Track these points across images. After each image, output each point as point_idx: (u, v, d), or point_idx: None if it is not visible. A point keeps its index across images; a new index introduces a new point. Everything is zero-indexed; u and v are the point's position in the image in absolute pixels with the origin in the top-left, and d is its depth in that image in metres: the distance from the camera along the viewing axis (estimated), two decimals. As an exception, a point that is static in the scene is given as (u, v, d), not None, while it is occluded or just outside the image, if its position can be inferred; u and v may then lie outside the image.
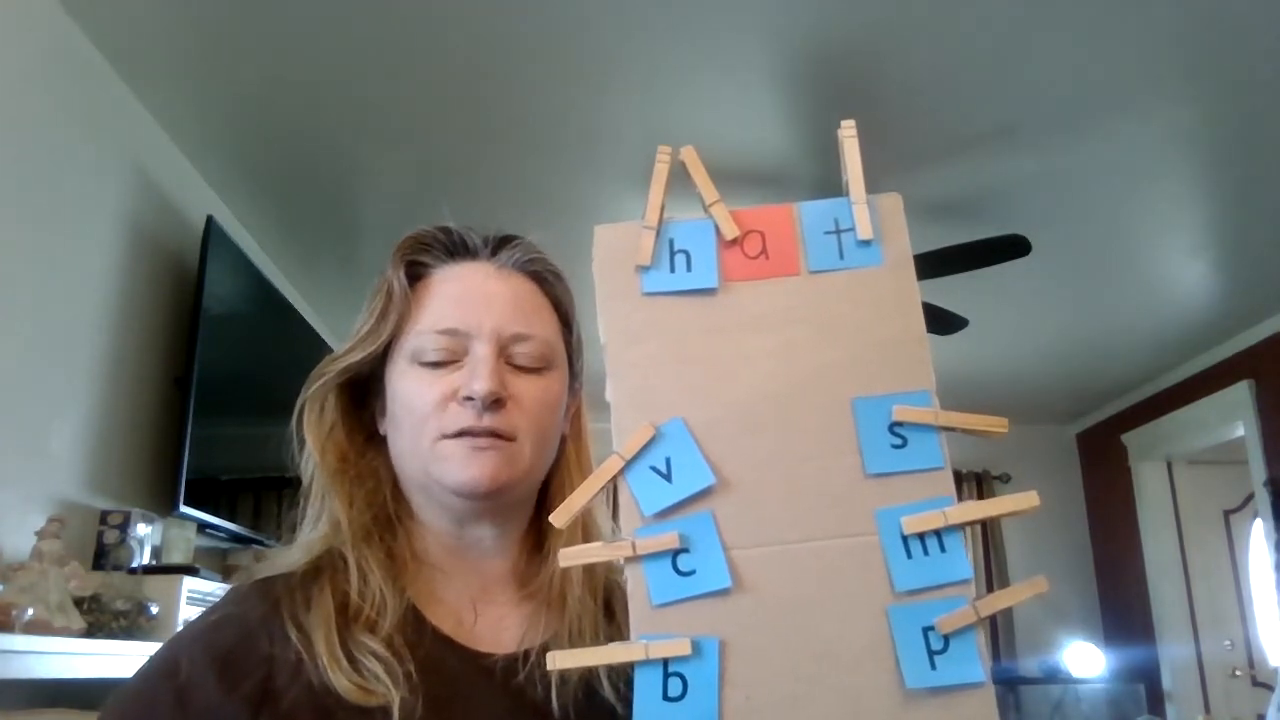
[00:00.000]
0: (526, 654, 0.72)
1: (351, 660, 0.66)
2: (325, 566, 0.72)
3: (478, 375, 0.72)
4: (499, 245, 0.79)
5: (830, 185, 2.81)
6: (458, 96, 2.36)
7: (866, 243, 0.63)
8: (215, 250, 2.52)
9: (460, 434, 0.72)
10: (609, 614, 0.77)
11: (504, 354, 0.74)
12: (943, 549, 0.58)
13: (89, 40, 2.11)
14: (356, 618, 0.69)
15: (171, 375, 2.47)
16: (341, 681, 0.65)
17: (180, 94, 2.35)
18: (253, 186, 2.80)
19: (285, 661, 0.67)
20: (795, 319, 0.63)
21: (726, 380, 0.62)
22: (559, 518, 0.60)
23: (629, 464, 0.61)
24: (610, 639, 0.73)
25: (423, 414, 0.73)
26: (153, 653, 0.70)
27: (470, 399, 0.72)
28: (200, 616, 0.71)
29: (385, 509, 0.76)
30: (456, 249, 0.79)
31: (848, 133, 0.65)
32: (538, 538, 0.80)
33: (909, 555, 0.58)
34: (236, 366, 2.64)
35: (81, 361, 2.13)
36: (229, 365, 2.54)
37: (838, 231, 0.64)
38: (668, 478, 0.60)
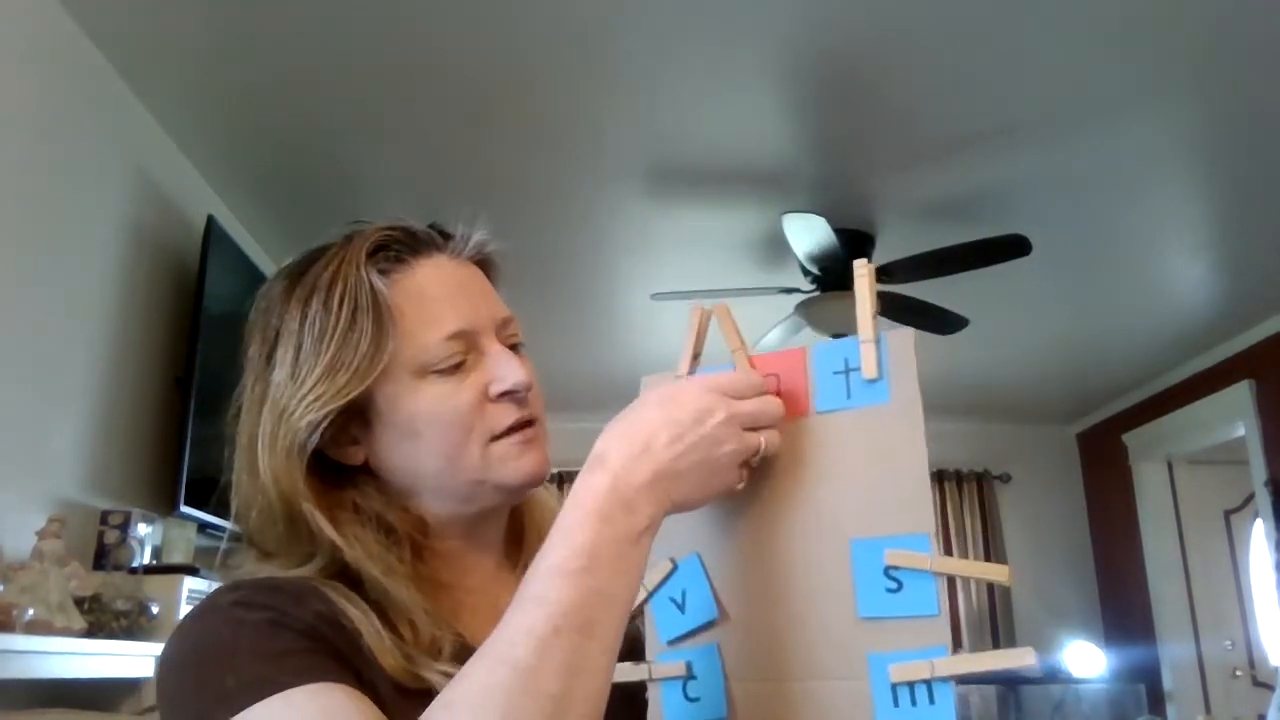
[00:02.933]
0: None
1: (428, 686, 0.64)
2: (336, 585, 0.68)
3: (509, 368, 0.72)
4: (443, 235, 0.78)
5: (830, 185, 2.81)
6: (458, 97, 2.36)
7: (873, 381, 0.63)
8: (215, 250, 2.52)
9: (509, 430, 0.72)
10: None
11: (500, 339, 0.75)
12: (931, 700, 0.57)
13: (90, 40, 2.11)
14: (415, 647, 0.67)
15: (172, 375, 2.47)
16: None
17: (180, 94, 2.35)
18: (253, 186, 2.80)
19: (349, 619, 0.65)
20: (802, 460, 0.64)
21: (738, 520, 0.65)
22: None
23: (651, 594, 0.66)
24: None
25: (463, 422, 0.71)
26: (188, 633, 0.65)
27: (508, 393, 0.72)
28: (225, 590, 0.67)
29: (393, 538, 0.72)
30: (420, 246, 0.75)
31: (860, 272, 0.65)
32: (510, 519, 0.81)
33: (895, 704, 0.58)
34: (237, 367, 2.63)
35: (81, 361, 2.13)
36: (229, 365, 2.53)
37: (846, 371, 0.65)
38: (682, 609, 0.66)
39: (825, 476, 0.64)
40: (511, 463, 0.72)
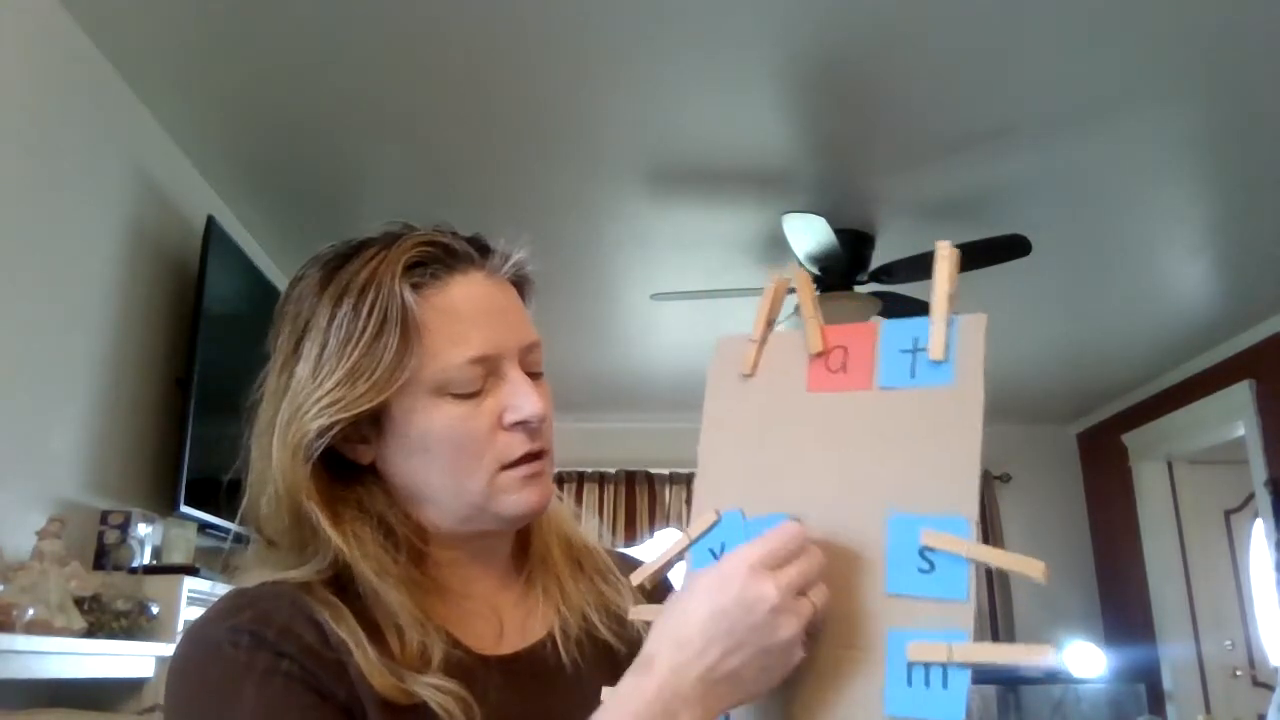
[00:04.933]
0: (550, 634, 0.76)
1: (416, 698, 0.65)
2: (328, 599, 0.69)
3: (527, 399, 0.72)
4: (482, 250, 0.77)
5: (830, 185, 2.81)
6: (458, 96, 2.36)
7: (939, 363, 0.64)
8: (215, 250, 2.52)
9: (518, 461, 0.72)
10: (579, 568, 0.83)
11: (523, 365, 0.74)
12: (945, 684, 0.57)
13: (90, 41, 2.11)
14: (402, 658, 0.67)
15: (172, 375, 2.47)
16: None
17: (180, 94, 2.35)
18: (253, 186, 2.80)
19: (337, 639, 0.66)
20: (858, 432, 0.65)
21: (785, 482, 0.65)
22: (638, 577, 0.68)
23: (693, 543, 0.66)
24: (586, 590, 0.80)
25: (475, 448, 0.71)
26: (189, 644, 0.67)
27: (522, 424, 0.72)
28: (217, 616, 0.67)
29: (392, 540, 0.72)
30: (456, 262, 0.74)
31: (943, 253, 0.65)
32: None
33: (909, 682, 0.58)
34: (237, 366, 2.63)
35: (81, 362, 2.13)
36: (229, 365, 2.54)
37: (914, 350, 0.65)
38: (717, 559, 0.65)
39: (877, 449, 0.64)
40: (514, 494, 0.72)
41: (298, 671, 0.63)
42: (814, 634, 0.60)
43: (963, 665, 0.56)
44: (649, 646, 0.59)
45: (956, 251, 0.64)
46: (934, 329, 0.64)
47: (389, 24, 2.08)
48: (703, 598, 0.58)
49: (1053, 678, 4.79)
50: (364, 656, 0.65)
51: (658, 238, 3.16)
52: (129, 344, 2.31)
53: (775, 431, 0.67)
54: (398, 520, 0.73)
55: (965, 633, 0.57)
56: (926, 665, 0.57)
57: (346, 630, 0.66)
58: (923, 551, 0.59)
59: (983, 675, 0.58)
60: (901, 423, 0.63)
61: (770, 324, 0.70)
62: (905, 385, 0.64)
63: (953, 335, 0.64)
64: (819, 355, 0.67)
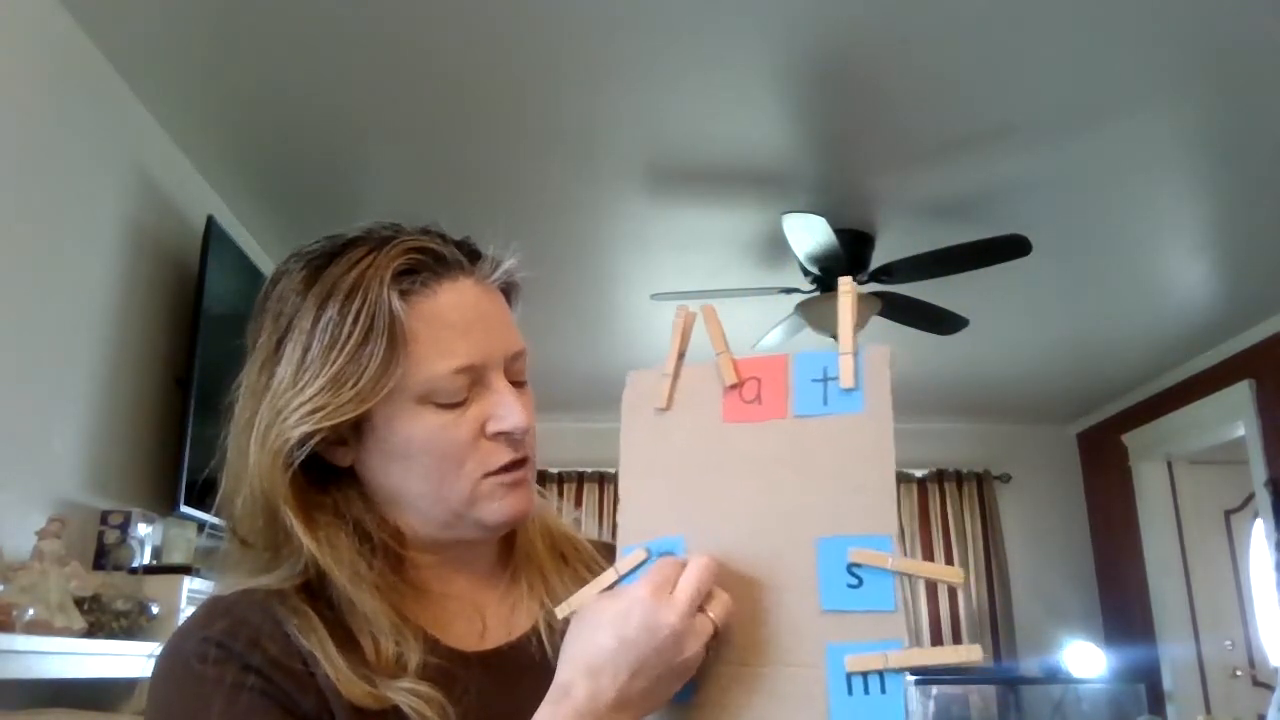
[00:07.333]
0: (535, 629, 0.76)
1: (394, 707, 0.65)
2: (299, 608, 0.69)
3: (511, 409, 0.72)
4: (472, 256, 0.75)
5: (830, 185, 2.81)
6: (457, 96, 2.36)
7: (849, 391, 0.67)
8: (215, 250, 2.52)
9: (501, 469, 0.72)
10: (564, 560, 0.83)
11: (508, 374, 0.74)
12: (883, 690, 0.61)
13: (90, 41, 2.11)
14: (377, 665, 0.67)
15: (172, 375, 2.47)
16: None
17: (180, 94, 2.35)
18: (253, 186, 2.80)
19: (305, 649, 0.66)
20: (778, 461, 0.68)
21: (713, 514, 0.68)
22: (562, 611, 0.68)
23: (622, 578, 0.67)
24: (571, 582, 0.79)
25: (457, 455, 0.71)
26: (162, 661, 0.67)
27: (505, 434, 0.72)
28: (192, 627, 0.68)
29: (368, 546, 0.72)
30: (445, 269, 0.72)
31: (844, 289, 0.69)
32: None
33: (849, 692, 0.62)
34: (237, 367, 2.63)
35: (81, 362, 2.13)
36: (229, 365, 2.53)
37: (825, 380, 0.69)
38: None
39: (799, 476, 0.67)
40: (496, 502, 0.72)
41: (263, 686, 0.64)
42: (720, 641, 0.64)
43: (898, 671, 0.61)
44: (563, 675, 0.62)
45: (855, 288, 0.69)
46: (842, 360, 0.68)
47: (388, 25, 2.08)
48: (609, 629, 0.62)
49: (1053, 678, 4.79)
50: (331, 667, 0.65)
51: (657, 238, 3.16)
52: (129, 344, 2.31)
53: (696, 463, 0.70)
54: (374, 525, 0.73)
55: (899, 641, 0.62)
56: (865, 674, 0.61)
57: (315, 641, 0.66)
58: (850, 568, 0.64)
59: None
60: (819, 448, 0.67)
61: (682, 357, 0.72)
62: (819, 413, 0.68)
63: (860, 365, 0.68)
64: (733, 387, 0.70)
